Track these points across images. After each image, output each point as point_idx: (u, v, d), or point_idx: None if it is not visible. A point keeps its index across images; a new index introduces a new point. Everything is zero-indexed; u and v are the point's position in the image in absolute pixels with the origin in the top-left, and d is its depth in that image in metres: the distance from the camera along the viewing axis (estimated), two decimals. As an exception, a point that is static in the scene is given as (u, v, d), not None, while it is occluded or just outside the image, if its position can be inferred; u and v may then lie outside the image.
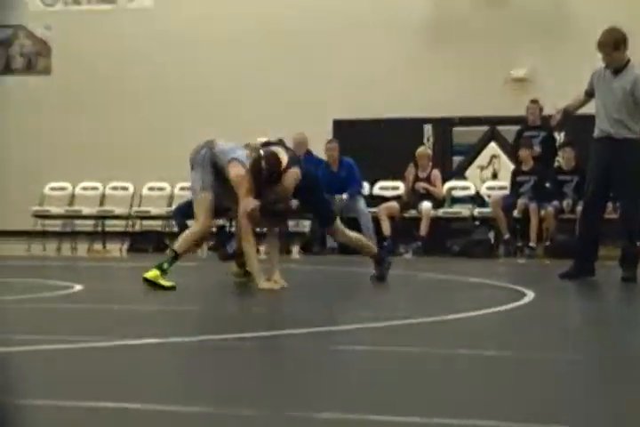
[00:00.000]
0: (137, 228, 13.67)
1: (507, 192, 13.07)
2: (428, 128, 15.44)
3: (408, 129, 15.17)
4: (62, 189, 14.43)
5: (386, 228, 12.73)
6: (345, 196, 12.80)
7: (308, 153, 13.16)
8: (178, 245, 7.46)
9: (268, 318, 5.95)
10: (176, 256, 7.36)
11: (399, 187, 13.59)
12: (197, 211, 7.60)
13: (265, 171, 7.31)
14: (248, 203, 7.33)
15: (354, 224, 12.68)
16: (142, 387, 3.61)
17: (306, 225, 13.52)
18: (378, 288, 7.81)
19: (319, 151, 13.46)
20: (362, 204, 12.95)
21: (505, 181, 13.73)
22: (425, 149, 13.58)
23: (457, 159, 15.22)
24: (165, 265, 7.25)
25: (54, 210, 13.80)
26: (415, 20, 16.23)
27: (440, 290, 7.93)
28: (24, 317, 6.06)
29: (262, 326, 5.45)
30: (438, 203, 13.11)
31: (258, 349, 4.59)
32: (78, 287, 7.44)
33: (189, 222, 12.84)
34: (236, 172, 7.47)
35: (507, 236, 12.53)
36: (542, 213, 12.41)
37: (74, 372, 3.95)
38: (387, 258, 8.03)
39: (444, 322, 5.47)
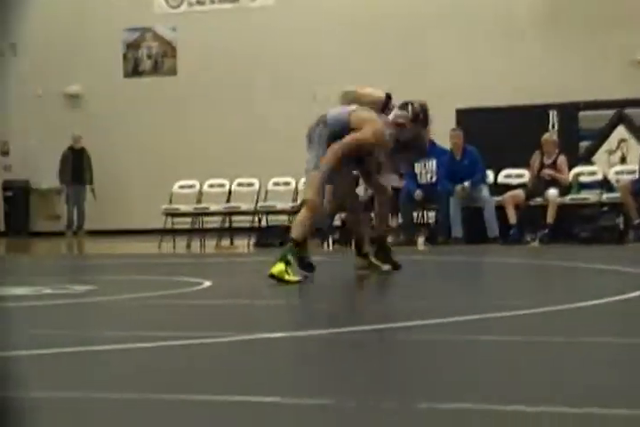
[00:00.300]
0: (263, 223, 13.84)
1: (636, 176, 12.81)
2: (553, 114, 15.21)
3: (533, 116, 14.97)
4: (190, 186, 14.70)
5: (511, 216, 12.62)
6: (467, 184, 12.74)
7: (432, 143, 13.12)
8: (294, 232, 7.41)
9: (393, 310, 5.96)
10: (297, 244, 7.33)
11: (524, 174, 13.44)
12: (307, 190, 7.41)
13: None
14: (378, 130, 7.13)
15: (477, 213, 12.62)
16: (273, 380, 3.67)
17: (431, 216, 13.50)
18: (504, 277, 7.75)
19: (443, 141, 13.42)
20: (485, 192, 12.87)
21: (634, 164, 13.45)
22: (551, 135, 13.40)
23: (583, 145, 14.96)
24: (289, 256, 7.24)
25: (183, 208, 14.08)
26: (535, 3, 16.00)
27: (568, 278, 7.83)
28: (156, 313, 6.22)
29: (390, 318, 5.47)
30: (565, 189, 12.93)
31: (386, 341, 4.61)
32: (207, 283, 7.59)
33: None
34: (362, 115, 7.28)
35: (636, 221, 12.29)
36: (674, 196, 12.12)
37: (207, 366, 4.04)
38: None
39: (574, 310, 5.41)
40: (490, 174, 13.51)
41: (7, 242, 17.43)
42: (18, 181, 18.78)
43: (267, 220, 13.85)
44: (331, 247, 12.91)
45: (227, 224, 13.97)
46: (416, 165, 12.96)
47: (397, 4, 16.71)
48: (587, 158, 14.63)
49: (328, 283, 8.20)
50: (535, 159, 13.03)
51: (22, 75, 18.77)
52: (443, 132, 13.50)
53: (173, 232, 13.64)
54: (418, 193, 12.80)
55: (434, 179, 13.04)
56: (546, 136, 13.24)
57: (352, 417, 3.03)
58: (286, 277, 7.17)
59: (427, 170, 13.10)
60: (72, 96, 18.59)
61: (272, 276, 7.21)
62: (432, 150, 13.02)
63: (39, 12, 18.99)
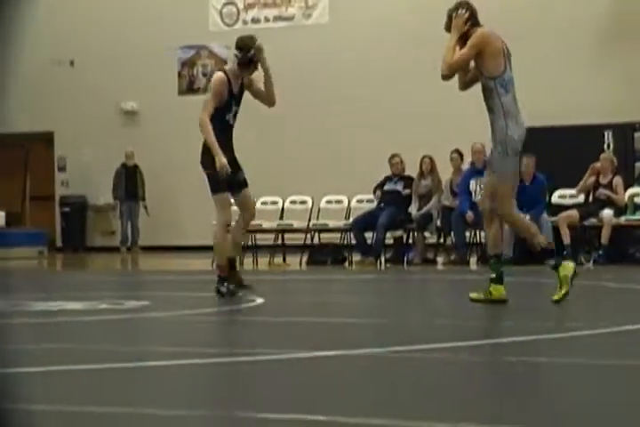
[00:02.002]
0: (315, 240, 13.86)
1: (691, 198, 12.68)
2: (608, 134, 15.10)
3: (587, 136, 14.87)
4: (243, 203, 14.76)
5: (565, 236, 12.52)
6: (527, 216, 12.64)
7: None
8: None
9: (448, 330, 5.94)
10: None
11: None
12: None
13: None
14: None
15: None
16: (325, 398, 3.68)
17: (483, 236, 13.43)
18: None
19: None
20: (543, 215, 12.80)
21: (690, 186, 13.31)
22: (608, 155, 13.30)
23: (639, 165, 14.84)
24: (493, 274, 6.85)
25: (234, 225, 14.12)
26: (592, 20, 15.92)
27: (621, 299, 7.76)
28: (209, 330, 6.26)
29: (442, 337, 5.46)
30: (620, 210, 12.81)
31: (441, 361, 4.60)
32: (260, 300, 7.62)
33: (367, 235, 13.01)
34: None
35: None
36: None
37: (258, 383, 4.06)
38: None
39: (626, 333, 5.36)
40: (543, 194, 13.43)
41: (64, 257, 17.63)
42: (74, 196, 19.00)
43: (319, 237, 13.87)
44: (383, 266, 12.91)
45: (279, 241, 14.02)
46: (471, 182, 12.94)
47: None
48: (642, 179, 14.51)
49: (385, 301, 8.20)
50: (590, 179, 12.93)
51: (79, 90, 19.02)
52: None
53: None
54: (469, 215, 12.73)
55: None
56: (603, 156, 13.14)
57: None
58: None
59: (482, 187, 13.03)
60: (128, 113, 18.79)
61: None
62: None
63: (97, 30, 19.24)
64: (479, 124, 15.82)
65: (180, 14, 18.71)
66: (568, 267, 6.71)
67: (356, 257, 13.14)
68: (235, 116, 8.13)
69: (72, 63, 19.60)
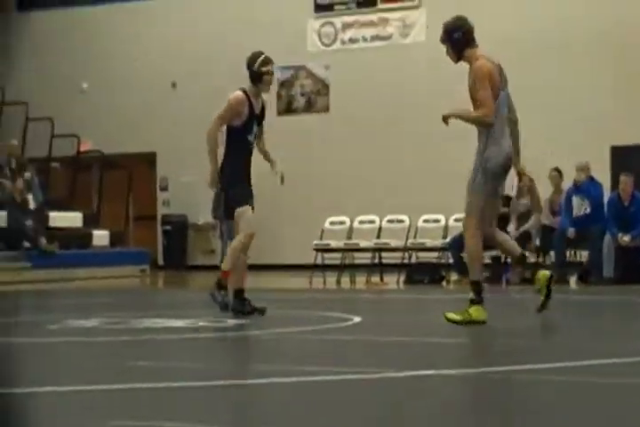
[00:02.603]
0: (413, 260, 13.86)
1: None
2: None
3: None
4: (341, 223, 14.85)
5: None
6: (627, 238, 12.44)
7: (590, 178, 13.09)
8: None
9: (535, 350, 5.91)
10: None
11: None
12: None
13: None
14: None
15: (635, 252, 12.32)
16: (431, 418, 3.70)
17: (584, 255, 13.29)
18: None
19: (599, 176, 13.36)
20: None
21: None
22: None
23: None
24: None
25: (334, 243, 14.22)
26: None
27: None
28: (306, 348, 6.32)
29: (531, 358, 5.43)
30: None
31: (527, 382, 4.59)
32: (357, 319, 7.66)
33: (464, 254, 12.96)
34: None
35: None
36: None
37: (356, 401, 4.10)
38: None
39: None
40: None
41: (165, 275, 17.92)
42: (176, 215, 19.31)
43: (416, 256, 13.87)
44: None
45: (377, 260, 14.05)
46: (573, 199, 12.84)
47: (553, 38, 16.60)
48: None
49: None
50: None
51: (181, 111, 19.36)
52: (599, 168, 13.37)
53: (324, 268, 13.79)
54: (571, 231, 12.63)
55: (587, 210, 12.84)
56: None
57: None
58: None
59: (582, 202, 12.91)
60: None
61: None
62: (589, 185, 12.91)
63: (199, 52, 19.58)
64: (579, 141, 15.70)
65: (279, 35, 18.93)
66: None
67: (454, 276, 13.10)
68: (256, 136, 8.16)
69: (174, 85, 19.96)
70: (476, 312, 6.91)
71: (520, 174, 7.53)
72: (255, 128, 8.10)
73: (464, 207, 7.11)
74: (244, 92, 8.04)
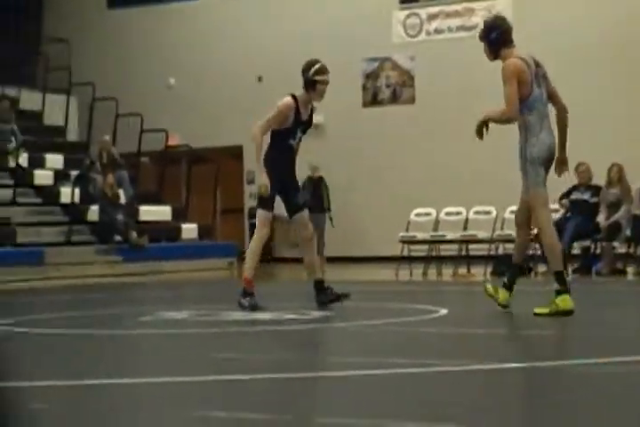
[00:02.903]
0: (500, 251, 13.77)
1: None
2: None
3: None
4: (427, 214, 14.82)
5: None
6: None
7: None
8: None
9: (628, 342, 5.84)
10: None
11: None
12: None
13: None
14: None
15: None
16: (503, 411, 3.71)
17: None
18: None
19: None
20: None
21: None
22: None
23: None
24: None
25: (420, 235, 14.20)
26: None
27: None
28: (393, 340, 6.34)
29: (622, 350, 5.37)
30: None
31: (618, 375, 4.55)
32: (444, 311, 7.66)
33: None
34: None
35: None
36: None
37: (447, 395, 4.11)
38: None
39: None
40: None
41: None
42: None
43: (504, 248, 13.77)
44: (570, 276, 12.71)
45: (463, 252, 13.99)
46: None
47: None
48: None
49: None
50: None
51: (267, 104, 19.47)
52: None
53: (410, 260, 13.78)
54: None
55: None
56: None
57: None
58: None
59: None
60: (314, 126, 19.08)
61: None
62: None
63: (284, 45, 19.68)
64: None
65: (364, 27, 18.94)
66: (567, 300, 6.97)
67: (542, 268, 12.98)
68: (299, 141, 8.18)
69: (260, 79, 20.11)
70: (563, 302, 6.94)
71: (561, 165, 7.45)
72: (299, 134, 8.16)
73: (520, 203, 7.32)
74: (294, 98, 8.06)
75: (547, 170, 7.28)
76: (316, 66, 8.11)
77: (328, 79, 8.14)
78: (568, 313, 6.91)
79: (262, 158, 8.00)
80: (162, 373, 4.80)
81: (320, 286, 8.09)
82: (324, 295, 8.05)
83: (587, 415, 3.57)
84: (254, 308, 7.87)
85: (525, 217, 7.36)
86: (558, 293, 7.00)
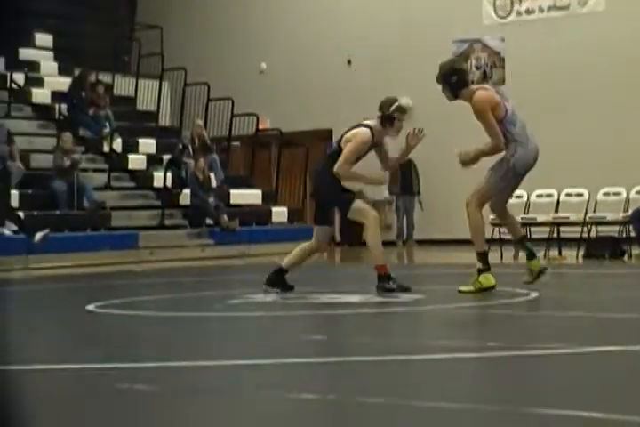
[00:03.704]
0: (592, 234, 13.59)
1: None
2: None
3: None
4: (518, 197, 14.67)
5: None
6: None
7: None
8: None
9: None
10: None
11: None
12: None
13: None
14: None
15: None
16: (602, 395, 3.68)
17: None
18: None
19: None
20: None
21: None
22: None
23: None
24: None
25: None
26: None
27: None
28: (483, 323, 6.32)
29: None
30: None
31: None
32: (534, 295, 7.61)
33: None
34: None
35: None
36: None
37: (537, 379, 4.09)
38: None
39: None
40: None
41: (342, 251, 18.15)
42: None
43: (596, 230, 13.59)
44: None
45: (555, 235, 13.84)
46: None
47: None
48: None
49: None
50: None
51: (356, 88, 19.48)
52: None
53: (500, 242, 13.67)
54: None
55: None
56: None
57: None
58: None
59: None
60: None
61: None
62: None
63: (375, 29, 19.64)
64: None
65: (454, 8, 18.80)
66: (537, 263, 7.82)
67: (636, 250, 12.79)
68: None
69: (349, 62, 20.11)
70: (485, 280, 7.59)
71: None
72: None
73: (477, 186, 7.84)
74: (371, 131, 8.13)
75: (521, 176, 7.89)
76: (398, 104, 8.25)
77: (405, 119, 8.27)
78: (491, 289, 7.55)
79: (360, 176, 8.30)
80: (251, 355, 4.86)
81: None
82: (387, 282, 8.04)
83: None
84: (404, 289, 7.89)
85: (498, 205, 8.01)
86: (480, 271, 7.60)
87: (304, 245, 8.34)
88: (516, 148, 7.74)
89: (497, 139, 7.70)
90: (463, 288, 7.66)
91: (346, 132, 8.24)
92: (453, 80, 7.85)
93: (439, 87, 7.97)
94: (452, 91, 7.87)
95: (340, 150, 8.12)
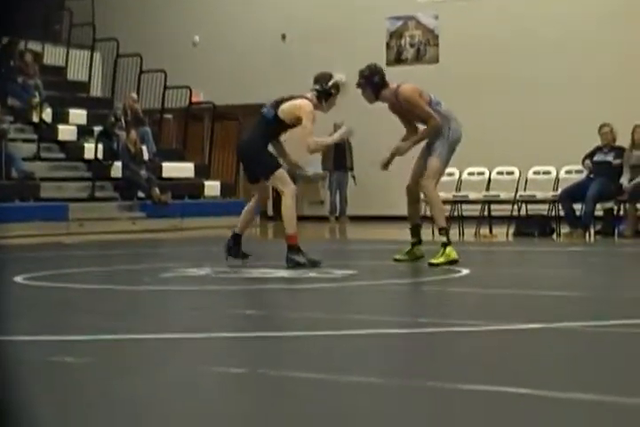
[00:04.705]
0: (522, 212, 13.73)
1: None
2: None
3: None
4: (450, 174, 14.75)
5: None
6: None
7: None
8: None
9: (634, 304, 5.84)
10: None
11: None
12: None
13: None
14: None
15: None
16: (526, 372, 3.72)
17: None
18: None
19: None
20: None
21: None
22: None
23: None
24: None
25: (442, 195, 14.10)
26: None
27: None
28: (413, 299, 6.37)
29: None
30: None
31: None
32: (465, 271, 7.67)
33: (576, 206, 12.81)
34: None
35: None
36: None
37: (462, 355, 4.14)
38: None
39: None
40: None
41: (275, 226, 18.13)
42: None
43: (526, 209, 13.74)
44: (592, 238, 12.69)
45: (485, 213, 13.97)
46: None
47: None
48: None
49: (592, 274, 8.10)
50: None
51: (290, 63, 19.42)
52: None
53: (432, 219, 13.73)
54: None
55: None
56: None
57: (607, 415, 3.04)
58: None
59: None
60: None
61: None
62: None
63: (307, 3, 19.57)
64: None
65: (389, -15, 18.79)
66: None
67: (565, 229, 12.96)
68: None
69: (284, 37, 20.02)
70: (452, 253, 8.07)
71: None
72: None
73: (426, 171, 8.24)
74: (309, 100, 8.19)
75: (454, 150, 8.33)
76: (335, 80, 8.27)
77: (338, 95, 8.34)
78: (455, 262, 8.00)
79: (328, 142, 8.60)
80: (183, 329, 4.83)
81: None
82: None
83: (606, 375, 3.58)
84: (314, 264, 7.89)
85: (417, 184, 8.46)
86: (444, 245, 8.09)
87: (247, 208, 8.51)
88: (449, 122, 8.23)
89: (434, 118, 8.14)
90: (434, 260, 8.05)
91: (282, 101, 8.14)
92: (376, 80, 8.27)
93: (359, 91, 8.37)
94: (374, 91, 8.29)
95: (278, 119, 8.08)
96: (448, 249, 8.11)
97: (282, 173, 8.19)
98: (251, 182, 8.45)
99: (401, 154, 8.37)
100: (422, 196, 8.65)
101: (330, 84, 8.21)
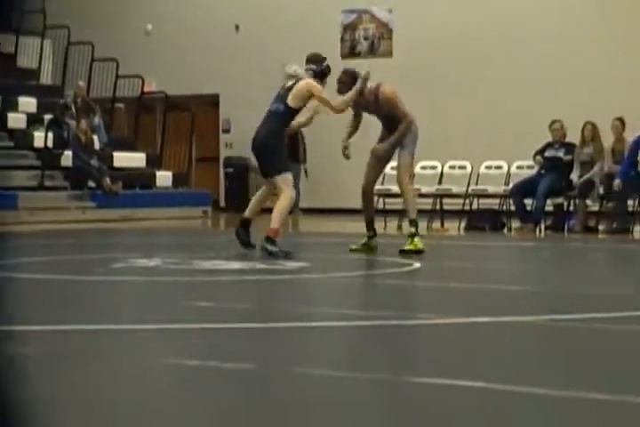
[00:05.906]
0: (474, 206, 13.80)
1: None
2: None
3: None
4: (402, 168, 14.79)
5: None
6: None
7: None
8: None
9: (605, 299, 5.89)
10: None
11: None
12: None
13: None
14: None
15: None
16: (477, 365, 3.74)
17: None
18: None
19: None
20: None
21: None
22: None
23: None
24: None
25: (395, 189, 14.16)
26: None
27: None
28: (364, 292, 6.37)
29: (598, 307, 5.42)
30: None
31: (599, 331, 4.59)
32: (417, 265, 7.70)
33: (526, 201, 12.91)
34: None
35: None
36: None
37: (417, 348, 4.14)
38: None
39: None
40: None
41: (227, 217, 18.07)
42: (238, 157, 19.35)
43: (478, 203, 13.81)
44: (543, 233, 12.79)
45: (437, 206, 14.02)
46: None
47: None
48: None
49: (542, 268, 8.16)
50: None
51: (244, 54, 19.35)
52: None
53: (385, 213, 13.78)
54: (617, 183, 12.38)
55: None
56: None
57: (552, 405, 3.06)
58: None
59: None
60: (291, 76, 18.96)
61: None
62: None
63: (262, -6, 19.48)
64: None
65: (344, -22, 18.77)
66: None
67: (515, 224, 13.05)
68: None
69: (237, 28, 19.93)
70: (420, 243, 8.55)
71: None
72: None
73: (399, 165, 8.84)
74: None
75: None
76: (327, 63, 8.71)
77: None
78: (421, 252, 8.43)
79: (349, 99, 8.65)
80: (133, 320, 4.80)
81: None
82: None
83: (560, 368, 3.61)
84: (287, 255, 8.07)
85: (374, 182, 9.17)
86: (413, 235, 8.53)
87: (257, 197, 8.82)
88: (413, 119, 8.82)
89: (410, 116, 8.79)
90: (407, 247, 8.53)
91: (285, 94, 8.49)
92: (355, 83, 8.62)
93: (337, 86, 8.67)
94: (351, 84, 8.62)
95: (291, 110, 8.43)
96: (416, 239, 8.54)
97: (288, 176, 8.54)
98: (264, 177, 8.75)
99: (377, 156, 8.92)
100: (398, 189, 9.22)
101: (325, 65, 8.46)
